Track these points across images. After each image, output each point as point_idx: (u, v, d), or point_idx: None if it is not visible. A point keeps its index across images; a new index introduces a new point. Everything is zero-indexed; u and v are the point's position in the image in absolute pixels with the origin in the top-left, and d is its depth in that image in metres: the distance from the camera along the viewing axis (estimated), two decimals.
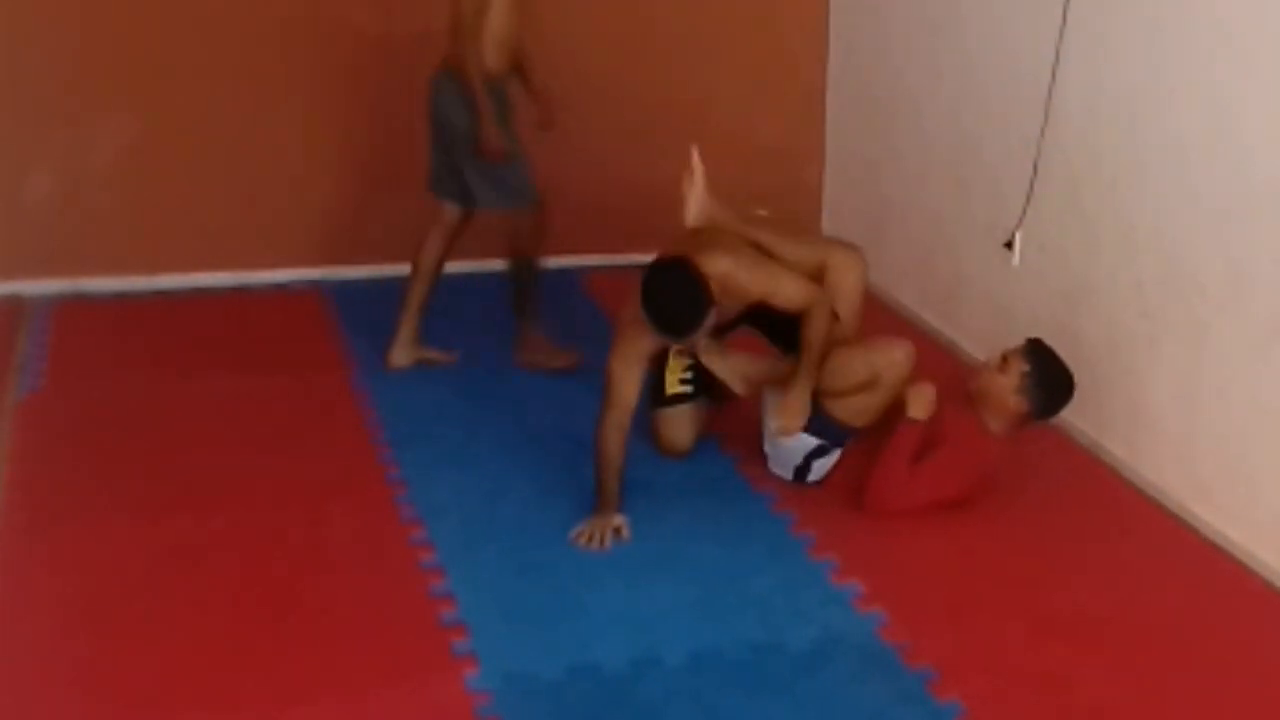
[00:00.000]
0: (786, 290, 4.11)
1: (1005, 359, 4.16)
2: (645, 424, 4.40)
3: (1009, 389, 4.11)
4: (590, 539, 3.86)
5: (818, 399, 4.13)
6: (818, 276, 4.24)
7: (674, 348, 4.26)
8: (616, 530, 3.90)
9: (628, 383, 4.01)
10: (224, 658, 3.35)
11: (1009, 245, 4.53)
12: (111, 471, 4.21)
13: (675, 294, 3.91)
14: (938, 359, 5.16)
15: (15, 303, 5.48)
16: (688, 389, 4.36)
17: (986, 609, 3.67)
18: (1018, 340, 4.25)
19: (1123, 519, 4.17)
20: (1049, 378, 4.15)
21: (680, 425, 4.36)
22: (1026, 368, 4.12)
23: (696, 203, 4.41)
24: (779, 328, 4.27)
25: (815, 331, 4.09)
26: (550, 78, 5.85)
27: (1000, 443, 4.16)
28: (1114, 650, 3.48)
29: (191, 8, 5.50)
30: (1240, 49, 3.86)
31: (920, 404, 4.09)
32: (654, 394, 4.36)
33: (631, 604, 3.62)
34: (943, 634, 3.52)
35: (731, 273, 4.01)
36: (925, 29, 5.46)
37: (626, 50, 5.97)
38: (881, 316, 5.41)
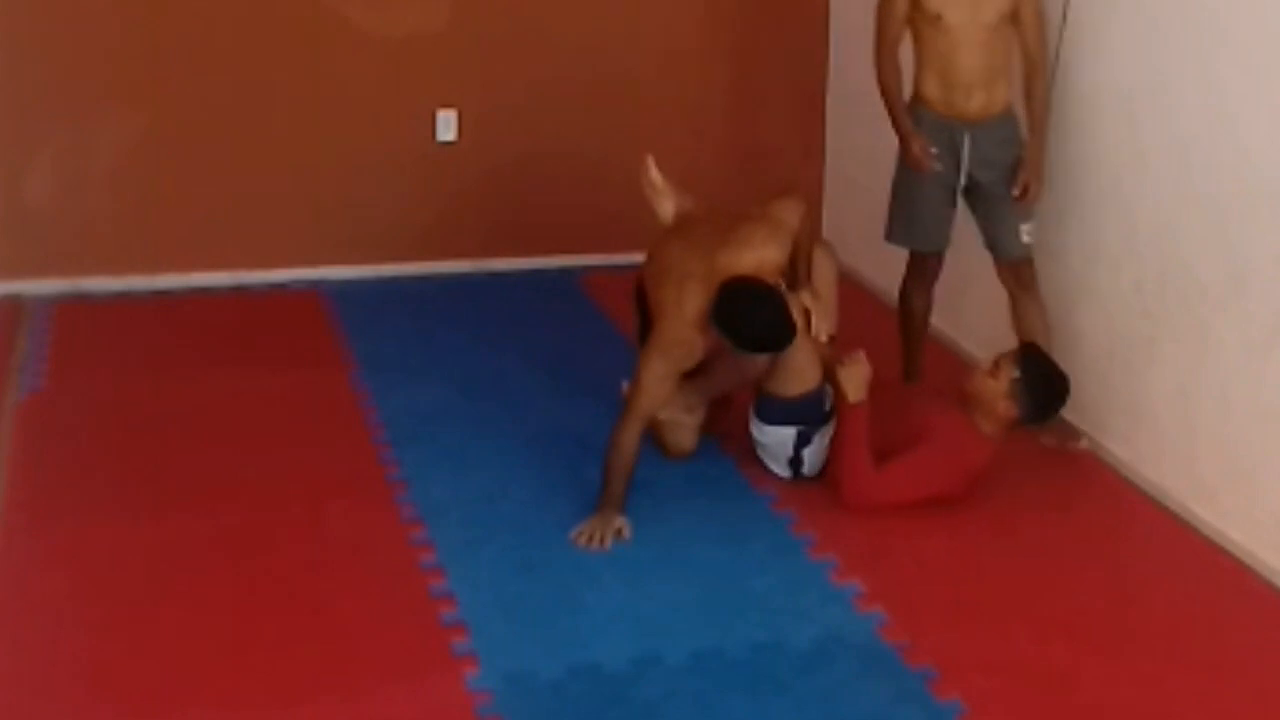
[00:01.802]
0: (790, 221, 4.17)
1: (997, 363, 4.15)
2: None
3: (999, 393, 4.10)
4: (591, 539, 3.86)
5: (762, 397, 4.18)
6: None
7: None
8: (618, 531, 3.90)
9: (659, 397, 4.03)
10: (224, 658, 3.35)
11: None
12: (111, 471, 4.21)
13: (766, 319, 3.95)
14: (937, 358, 5.16)
15: (15, 303, 5.48)
16: None
17: (986, 609, 3.66)
18: (1015, 342, 4.25)
19: (1123, 519, 4.16)
20: (1039, 385, 4.12)
21: (680, 429, 4.36)
22: (1017, 374, 4.10)
23: (668, 203, 4.50)
24: None
25: (805, 244, 4.24)
26: (551, 78, 5.89)
27: (988, 444, 4.14)
28: (1114, 650, 3.48)
29: (191, 8, 5.50)
30: (1240, 49, 3.86)
31: (854, 385, 4.09)
32: None
33: (632, 603, 3.62)
34: (943, 634, 3.51)
35: (763, 257, 4.04)
36: None
37: (627, 50, 5.97)
38: (881, 316, 5.41)
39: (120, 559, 3.75)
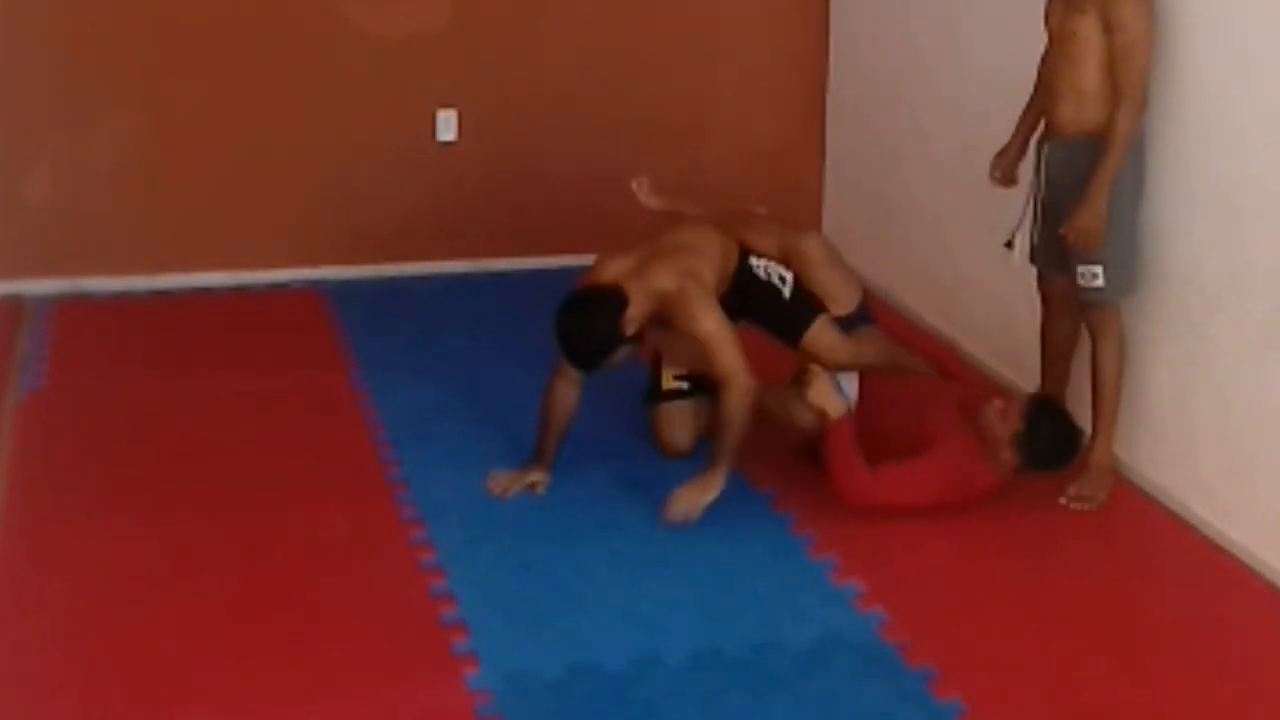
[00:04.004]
0: (721, 353, 3.97)
1: (1007, 407, 4.07)
2: (645, 424, 4.41)
3: (1002, 440, 4.05)
4: (499, 487, 4.05)
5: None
6: (784, 257, 4.37)
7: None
8: (531, 485, 4.05)
9: None
10: (224, 658, 3.35)
11: (1009, 245, 4.53)
12: (111, 471, 4.21)
13: (584, 331, 4.00)
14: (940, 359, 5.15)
15: (15, 303, 5.48)
16: (683, 385, 4.36)
17: (986, 609, 3.67)
18: (1018, 344, 4.23)
19: (1123, 519, 4.16)
20: (1043, 443, 4.05)
21: (678, 424, 4.36)
22: (1020, 429, 4.03)
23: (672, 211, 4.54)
24: (782, 325, 4.31)
25: (729, 411, 3.95)
26: (551, 78, 5.89)
27: (993, 475, 4.07)
28: (1114, 650, 3.48)
29: (191, 8, 5.51)
30: (1240, 49, 3.86)
31: (826, 401, 4.09)
32: (650, 390, 4.37)
33: (632, 603, 3.62)
34: (943, 634, 3.52)
35: (675, 297, 4.01)
36: (925, 29, 5.46)
37: (627, 50, 5.97)
38: (881, 317, 5.40)
39: (120, 559, 3.75)
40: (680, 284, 4.01)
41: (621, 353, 4.02)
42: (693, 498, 3.93)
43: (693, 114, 6.06)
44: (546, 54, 5.89)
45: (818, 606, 3.64)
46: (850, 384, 4.28)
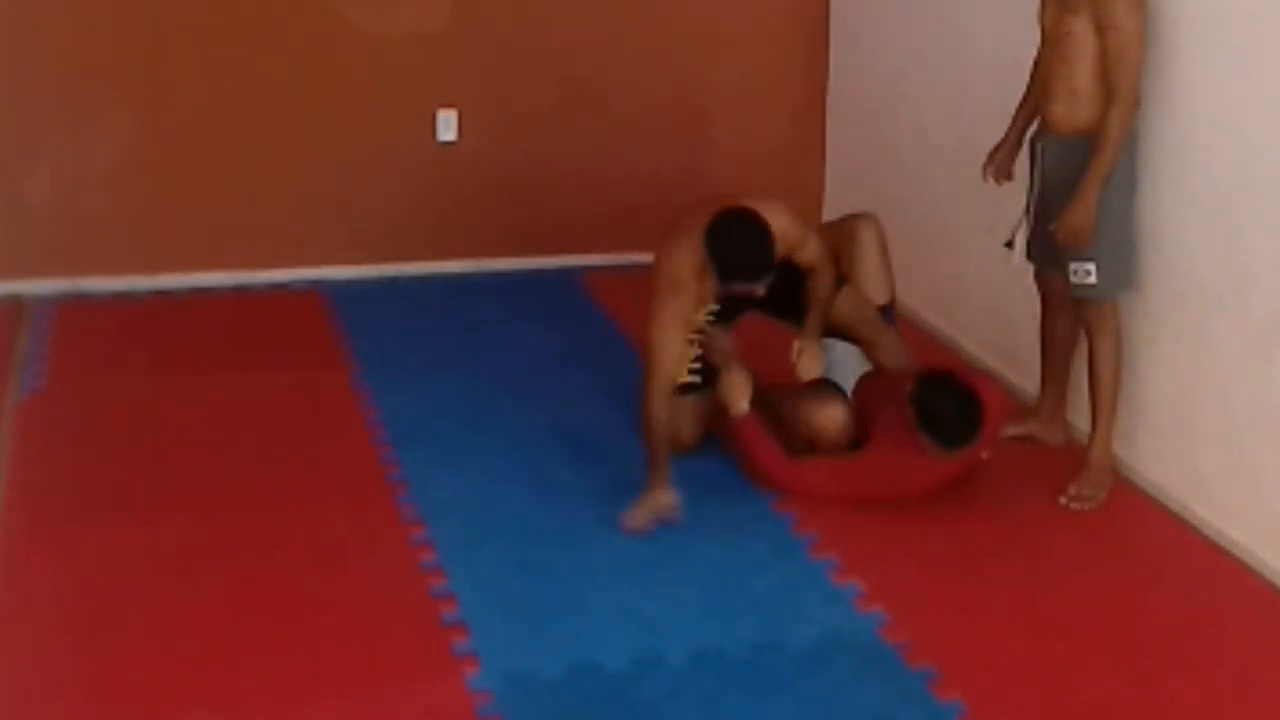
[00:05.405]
0: (813, 244, 4.23)
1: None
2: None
3: (914, 426, 4.06)
4: (635, 522, 3.88)
5: None
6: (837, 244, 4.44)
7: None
8: (664, 509, 3.90)
9: (669, 348, 4.01)
10: (224, 658, 3.35)
11: (1009, 245, 4.53)
12: (111, 471, 4.21)
13: (747, 241, 3.96)
14: (941, 359, 5.15)
15: (15, 303, 5.48)
16: (695, 379, 4.34)
17: (986, 609, 3.67)
18: (1018, 344, 4.23)
19: (1123, 519, 4.16)
20: (935, 419, 4.03)
21: (684, 417, 4.34)
22: (910, 415, 4.04)
23: None
24: (785, 310, 4.33)
25: (821, 287, 4.27)
26: (552, 77, 5.89)
27: (932, 462, 4.06)
28: (1114, 650, 3.49)
29: (191, 9, 5.50)
30: (1240, 49, 3.86)
31: (734, 396, 4.17)
32: None
33: (632, 603, 3.62)
34: (943, 634, 3.52)
35: (786, 227, 4.09)
36: (925, 29, 5.46)
37: (627, 50, 5.97)
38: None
39: (120, 559, 3.75)
40: (789, 218, 4.15)
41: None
42: (810, 352, 4.23)
43: (693, 113, 6.06)
44: (546, 54, 5.88)
45: (818, 606, 3.64)
46: (846, 385, 4.32)
